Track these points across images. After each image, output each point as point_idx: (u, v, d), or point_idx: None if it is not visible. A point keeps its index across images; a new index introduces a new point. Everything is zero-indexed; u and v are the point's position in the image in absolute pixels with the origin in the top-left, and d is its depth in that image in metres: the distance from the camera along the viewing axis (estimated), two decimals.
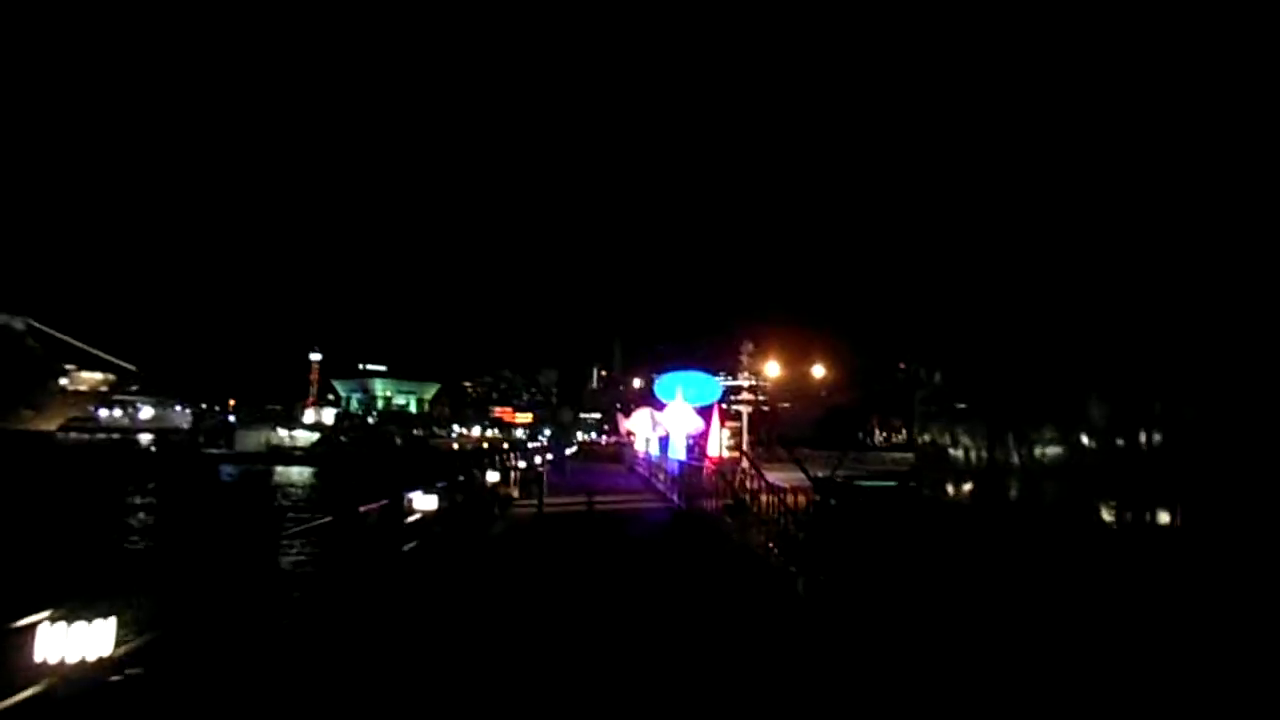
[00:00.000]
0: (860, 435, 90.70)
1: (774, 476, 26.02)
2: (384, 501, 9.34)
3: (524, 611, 8.59)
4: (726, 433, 28.32)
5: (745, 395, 26.01)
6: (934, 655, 6.53)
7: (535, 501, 20.12)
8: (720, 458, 24.98)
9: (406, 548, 10.09)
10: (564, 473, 41.59)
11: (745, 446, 25.68)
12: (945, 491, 8.71)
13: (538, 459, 29.80)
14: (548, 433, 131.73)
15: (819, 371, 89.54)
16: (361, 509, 8.51)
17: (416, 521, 10.90)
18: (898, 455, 76.16)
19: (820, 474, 14.94)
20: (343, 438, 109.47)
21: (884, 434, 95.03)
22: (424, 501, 11.03)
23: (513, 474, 22.31)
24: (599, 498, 24.35)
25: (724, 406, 34.22)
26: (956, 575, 7.12)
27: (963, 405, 8.51)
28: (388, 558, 9.20)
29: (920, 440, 9.57)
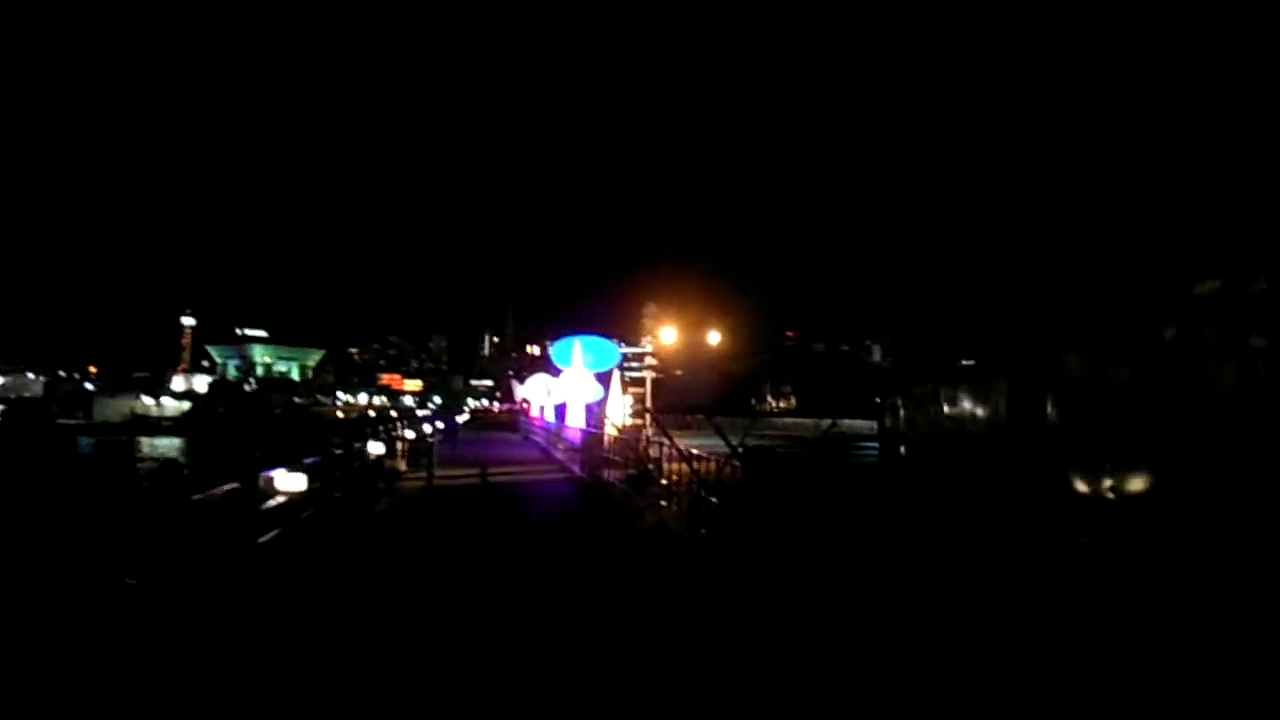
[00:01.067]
0: (754, 402, 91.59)
1: (669, 442, 25.13)
2: (233, 485, 7.62)
3: (404, 614, 7.15)
4: (629, 399, 27.16)
5: (649, 360, 24.83)
6: (881, 635, 5.83)
7: (424, 474, 18.46)
8: (624, 426, 23.82)
9: (264, 539, 8.43)
10: (456, 442, 39.80)
11: (650, 413, 24.61)
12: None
13: (427, 428, 27.94)
14: (438, 400, 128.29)
15: (714, 339, 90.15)
16: (198, 496, 6.81)
17: (281, 506, 9.22)
18: (788, 421, 77.34)
19: (735, 442, 13.96)
20: (219, 407, 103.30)
21: (776, 401, 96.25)
22: (288, 481, 9.34)
23: (400, 445, 20.51)
24: (494, 469, 22.83)
25: (624, 374, 33.08)
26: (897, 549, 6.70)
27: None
28: (236, 553, 7.52)
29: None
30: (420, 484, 18.03)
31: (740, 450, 12.40)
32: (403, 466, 19.62)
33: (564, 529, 13.09)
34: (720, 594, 8.33)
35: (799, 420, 76.81)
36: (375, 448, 16.15)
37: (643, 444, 22.12)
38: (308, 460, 10.75)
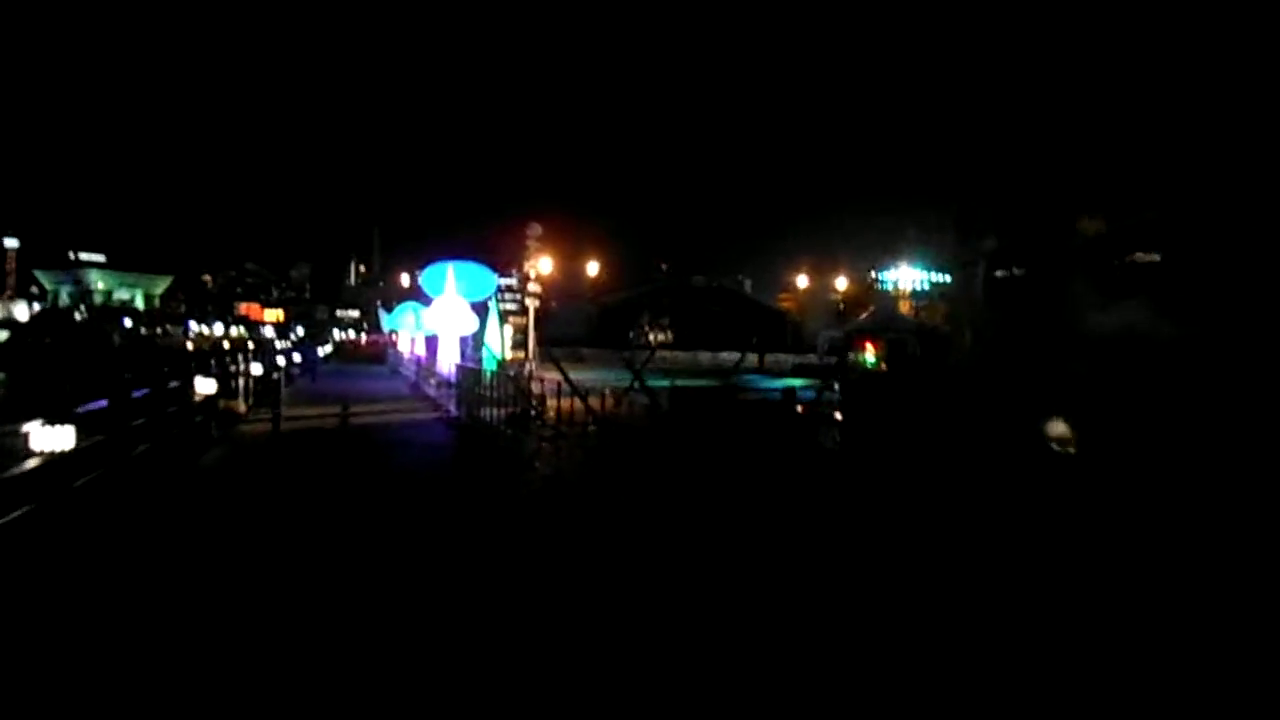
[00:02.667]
0: (631, 335, 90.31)
1: (551, 377, 23.09)
2: None
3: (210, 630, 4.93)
4: (509, 330, 24.79)
5: (533, 287, 22.50)
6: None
7: (271, 416, 15.75)
8: (506, 359, 21.51)
9: (7, 518, 5.90)
10: (316, 376, 36.42)
11: (533, 346, 22.41)
12: None
13: (281, 360, 24.79)
14: (299, 331, 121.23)
15: (592, 270, 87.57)
16: None
17: (42, 469, 6.64)
18: (666, 354, 76.58)
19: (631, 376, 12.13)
20: (45, 337, 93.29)
21: (654, 334, 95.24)
22: (47, 437, 6.72)
23: (241, 381, 17.57)
24: (357, 407, 20.23)
25: (500, 303, 30.53)
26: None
27: None
28: None
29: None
30: (265, 428, 15.32)
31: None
32: (242, 408, 16.76)
33: (442, 485, 10.86)
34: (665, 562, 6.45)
35: (676, 354, 76.24)
36: (204, 385, 13.35)
37: (526, 379, 19.97)
38: (90, 405, 8.08)
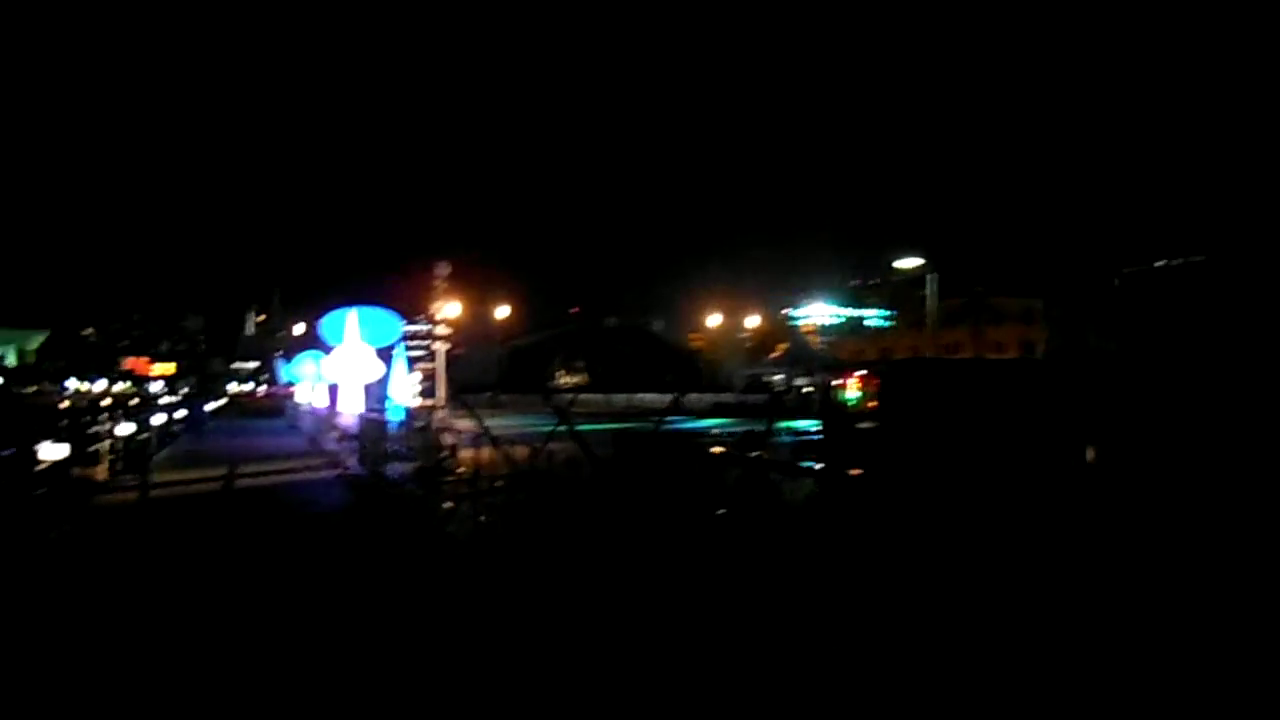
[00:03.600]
0: (544, 378, 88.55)
1: (464, 426, 21.35)
2: None
3: None
4: (417, 376, 23.01)
5: (441, 329, 20.84)
6: None
7: (139, 484, 13.65)
8: (414, 408, 19.76)
9: None
10: (202, 434, 33.60)
11: (443, 392, 20.69)
12: None
13: (159, 418, 22.36)
14: (187, 386, 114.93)
15: (502, 312, 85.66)
16: None
17: None
18: (583, 396, 75.01)
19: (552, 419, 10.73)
20: None
21: (569, 377, 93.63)
22: None
23: (107, 444, 15.34)
24: (246, 469, 18.14)
25: (407, 350, 28.70)
26: None
27: None
28: None
29: None
30: (130, 498, 13.21)
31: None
32: (103, 475, 14.55)
33: (333, 565, 9.15)
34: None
35: (589, 396, 74.80)
36: (51, 451, 11.28)
37: (435, 430, 18.30)
38: None
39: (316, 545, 9.91)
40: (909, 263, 19.17)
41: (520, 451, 10.50)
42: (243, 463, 19.71)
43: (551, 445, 11.74)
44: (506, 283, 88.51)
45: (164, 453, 23.91)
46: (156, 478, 14.53)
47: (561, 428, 10.20)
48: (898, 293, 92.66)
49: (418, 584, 7.87)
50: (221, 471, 17.26)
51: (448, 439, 16.04)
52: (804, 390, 49.82)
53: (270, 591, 7.61)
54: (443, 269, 20.22)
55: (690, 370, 74.82)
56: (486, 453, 10.59)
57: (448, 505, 11.14)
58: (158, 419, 21.42)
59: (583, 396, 74.74)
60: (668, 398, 67.35)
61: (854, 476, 5.59)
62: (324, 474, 17.46)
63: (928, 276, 17.46)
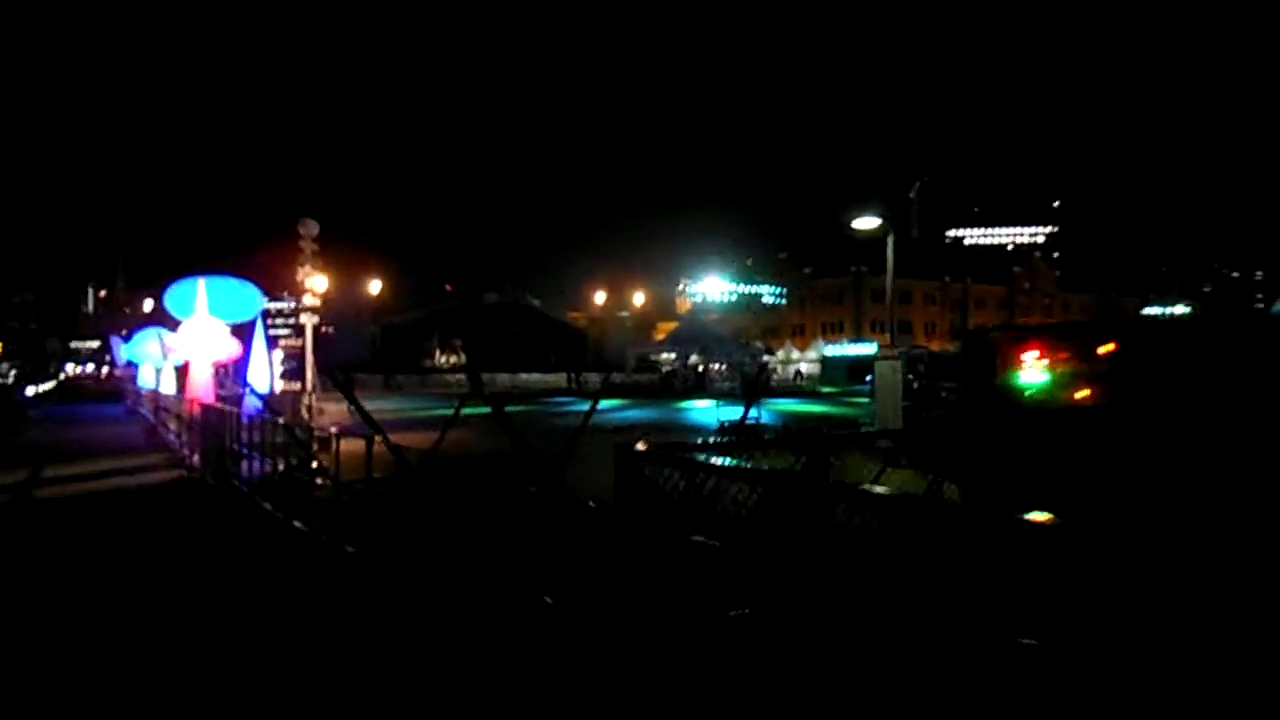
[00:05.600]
0: (420, 357, 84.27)
1: (336, 410, 18.31)
2: None
3: None
4: (280, 356, 19.81)
5: (309, 300, 17.76)
6: None
7: None
8: (275, 393, 16.71)
9: None
10: (23, 420, 29.04)
11: (311, 375, 17.62)
12: None
13: None
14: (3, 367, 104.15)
15: (374, 288, 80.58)
16: None
17: None
18: (459, 378, 71.46)
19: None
20: None
21: (446, 356, 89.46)
22: None
23: None
24: (62, 469, 14.81)
25: (268, 328, 25.17)
26: None
27: None
28: None
29: None
30: None
31: None
32: None
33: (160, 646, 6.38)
34: None
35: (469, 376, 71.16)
36: None
37: (304, 420, 15.37)
38: None
39: (111, 632, 7.02)
40: (867, 223, 17.63)
41: (413, 443, 8.04)
42: (62, 461, 16.19)
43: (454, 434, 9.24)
44: (377, 257, 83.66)
45: None
46: None
47: (467, 410, 7.78)
48: (781, 271, 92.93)
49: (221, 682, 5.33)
50: (22, 475, 13.89)
51: (316, 429, 13.27)
52: (711, 369, 48.32)
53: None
54: (310, 227, 17.14)
55: (578, 349, 72.30)
56: (363, 445, 8.01)
57: (299, 526, 8.50)
58: None
59: (459, 376, 71.01)
60: (552, 378, 64.75)
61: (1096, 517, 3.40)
62: (160, 476, 14.28)
63: (888, 239, 16.06)
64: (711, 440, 18.11)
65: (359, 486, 7.75)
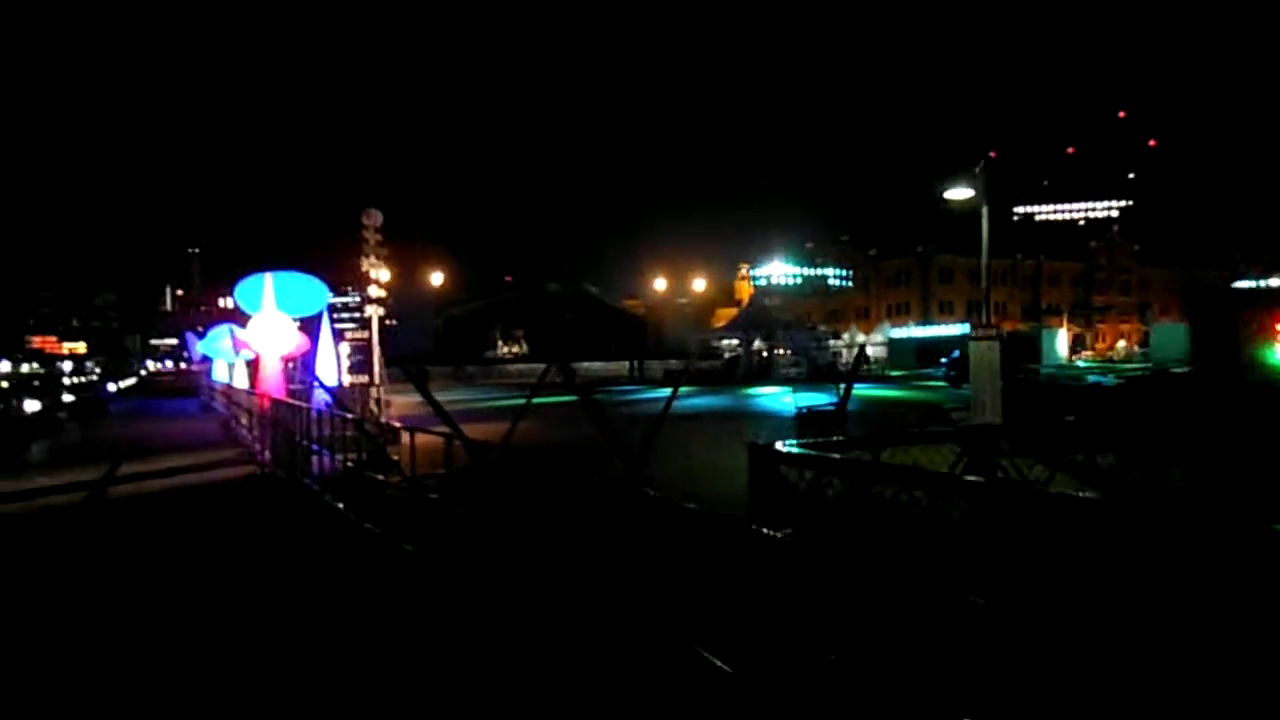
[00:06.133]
0: (483, 348, 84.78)
1: (402, 403, 18.02)
2: None
3: None
4: (346, 349, 19.75)
5: (375, 291, 17.59)
6: None
7: None
8: (343, 386, 16.60)
9: None
10: (104, 418, 29.74)
11: (378, 368, 17.47)
12: None
13: (33, 405, 18.71)
14: (90, 364, 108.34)
15: (436, 279, 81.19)
16: None
17: None
18: (521, 368, 71.41)
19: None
20: None
21: (508, 347, 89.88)
22: None
23: None
24: (137, 465, 14.87)
25: (334, 323, 25.27)
26: None
27: None
28: None
29: None
30: None
31: None
32: None
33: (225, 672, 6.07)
34: None
35: (533, 366, 71.24)
36: None
37: (373, 414, 15.21)
38: None
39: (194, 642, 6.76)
40: (960, 193, 16.66)
41: (484, 434, 7.63)
42: (138, 456, 16.35)
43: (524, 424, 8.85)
44: (437, 249, 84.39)
45: (45, 443, 20.31)
46: (11, 480, 11.18)
47: (537, 400, 7.34)
48: (844, 253, 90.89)
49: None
50: (101, 469, 13.96)
51: (386, 422, 13.05)
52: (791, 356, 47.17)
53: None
54: (374, 217, 16.94)
55: (638, 337, 71.82)
56: (433, 438, 7.61)
57: (370, 528, 8.16)
58: (31, 405, 17.80)
59: (520, 366, 71.07)
60: (614, 366, 64.37)
61: None
62: (234, 472, 14.23)
63: (982, 210, 15.19)
64: (797, 430, 17.37)
65: (431, 483, 7.38)
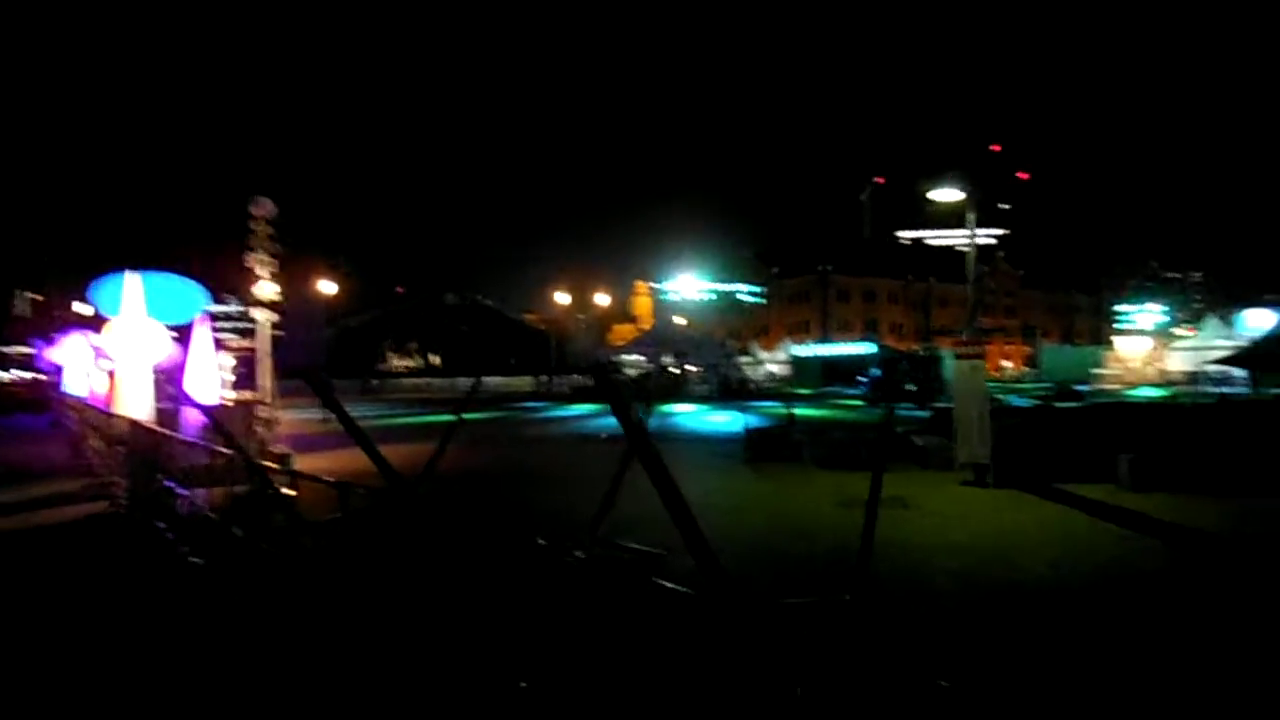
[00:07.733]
0: (374, 361, 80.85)
1: (293, 421, 15.65)
2: None
3: None
4: (228, 360, 17.13)
5: (266, 290, 15.12)
6: None
7: None
8: (227, 402, 14.06)
9: None
10: None
11: (267, 380, 14.96)
12: None
13: None
14: None
15: (328, 288, 76.84)
16: None
17: None
18: (418, 382, 67.98)
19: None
20: None
21: (401, 360, 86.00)
22: None
23: None
24: None
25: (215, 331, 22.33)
26: None
27: None
28: None
29: None
30: None
31: None
32: None
33: None
34: None
35: (429, 380, 67.90)
36: None
37: (258, 433, 12.84)
38: None
39: None
40: (948, 194, 15.56)
41: (397, 459, 5.68)
42: None
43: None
44: (328, 255, 79.97)
45: None
46: None
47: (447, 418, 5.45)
48: (752, 270, 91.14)
49: None
50: None
51: (272, 447, 10.76)
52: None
53: None
54: (264, 206, 14.52)
55: (541, 351, 69.52)
56: (328, 462, 5.57)
57: (235, 583, 6.09)
58: None
59: (417, 380, 67.71)
60: (516, 381, 61.91)
61: None
62: (68, 512, 11.57)
63: (968, 215, 14.21)
64: (748, 450, 15.96)
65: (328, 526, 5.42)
